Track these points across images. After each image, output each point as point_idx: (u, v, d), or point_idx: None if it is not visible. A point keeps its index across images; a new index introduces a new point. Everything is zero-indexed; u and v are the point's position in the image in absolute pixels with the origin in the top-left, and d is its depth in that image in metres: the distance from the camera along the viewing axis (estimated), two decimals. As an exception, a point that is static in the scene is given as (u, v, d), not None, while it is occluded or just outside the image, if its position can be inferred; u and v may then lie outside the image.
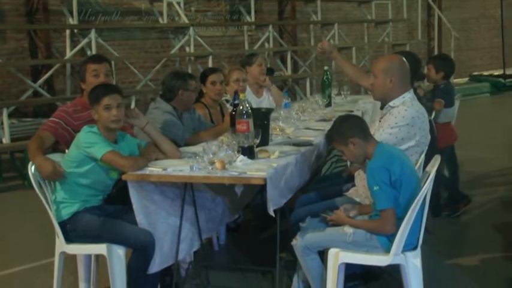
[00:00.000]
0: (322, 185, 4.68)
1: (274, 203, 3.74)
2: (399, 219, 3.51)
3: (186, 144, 4.61)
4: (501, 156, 8.30)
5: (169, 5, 10.43)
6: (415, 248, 3.64)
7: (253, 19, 11.41)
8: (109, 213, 3.91)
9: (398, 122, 4.07)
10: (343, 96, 7.08)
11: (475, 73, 16.33)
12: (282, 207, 3.90)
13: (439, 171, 4.95)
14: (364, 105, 6.34)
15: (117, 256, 3.79)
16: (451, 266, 4.80)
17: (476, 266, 4.85)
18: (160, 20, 10.44)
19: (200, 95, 5.34)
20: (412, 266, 3.60)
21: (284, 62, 11.41)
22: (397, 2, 14.05)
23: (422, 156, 4.16)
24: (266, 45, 11.31)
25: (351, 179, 4.35)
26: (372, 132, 3.97)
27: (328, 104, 6.38)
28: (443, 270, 4.71)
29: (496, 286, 4.47)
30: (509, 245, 5.23)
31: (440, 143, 5.76)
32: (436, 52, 14.66)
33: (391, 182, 3.52)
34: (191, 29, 10.05)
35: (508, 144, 9.00)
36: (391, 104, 4.16)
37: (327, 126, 4.77)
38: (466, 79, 15.51)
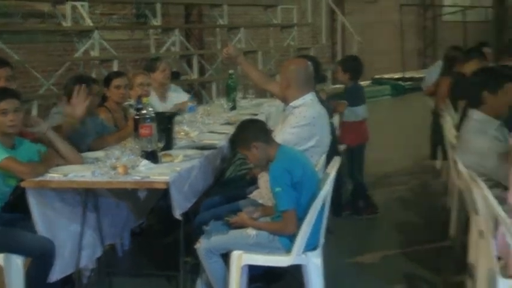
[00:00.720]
0: (226, 188, 4.72)
1: (179, 206, 3.75)
2: (300, 220, 3.59)
3: (90, 149, 4.54)
4: (401, 157, 8.60)
5: (73, 7, 10.22)
6: (316, 248, 3.74)
7: (159, 23, 11.33)
8: (5, 221, 3.81)
9: (300, 121, 4.18)
10: (248, 99, 7.16)
11: (377, 76, 16.82)
12: (186, 211, 3.91)
13: (340, 172, 5.10)
14: (268, 109, 6.43)
15: (15, 266, 3.69)
16: (352, 264, 4.95)
17: (375, 263, 5.02)
18: (63, 23, 10.21)
19: (104, 99, 5.27)
20: (313, 265, 3.69)
21: (190, 65, 11.38)
22: (301, 6, 14.30)
23: (323, 157, 4.27)
24: (172, 48, 11.26)
25: (254, 181, 4.41)
26: (275, 134, 4.06)
27: (233, 108, 6.42)
28: (345, 269, 4.84)
29: (394, 281, 4.62)
30: (406, 242, 5.43)
31: (350, 141, 6.03)
32: (339, 56, 15.02)
33: (292, 183, 3.60)
34: (96, 32, 9.88)
35: (408, 145, 9.33)
36: (292, 104, 4.28)
37: (232, 129, 4.81)
38: (368, 82, 15.94)
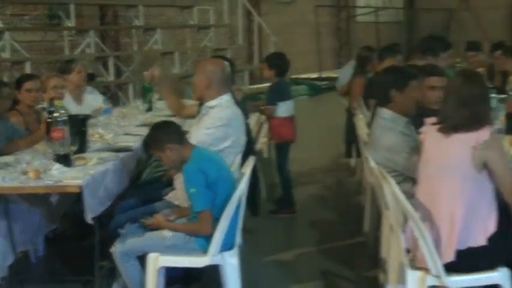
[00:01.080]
0: (142, 191, 4.68)
1: (92, 210, 3.70)
2: (216, 220, 3.61)
3: (1, 154, 4.42)
4: (317, 155, 8.74)
5: (-18, 8, 9.92)
6: (232, 247, 3.76)
7: (73, 24, 11.11)
8: None
9: (215, 122, 4.21)
10: (164, 100, 7.10)
11: (294, 76, 17.02)
12: (101, 214, 3.87)
13: (256, 172, 5.15)
14: (185, 110, 6.40)
15: None
16: (270, 263, 5.00)
17: (293, 261, 5.10)
18: (-29, 24, 9.88)
19: (15, 102, 5.14)
20: (230, 265, 3.71)
21: (106, 67, 11.21)
22: (218, 7, 14.32)
23: (239, 157, 4.31)
24: (87, 50, 11.06)
25: (171, 183, 4.40)
26: (190, 134, 4.07)
27: (149, 109, 6.38)
28: (263, 267, 4.89)
29: (311, 278, 4.70)
30: (322, 239, 5.54)
31: (277, 138, 6.24)
32: (256, 56, 15.14)
33: (207, 183, 3.62)
34: (6, 33, 9.62)
35: (323, 144, 9.50)
36: (208, 104, 4.30)
37: (147, 131, 4.78)
38: (286, 82, 16.11)
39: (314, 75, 17.20)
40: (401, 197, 3.25)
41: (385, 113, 4.00)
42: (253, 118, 6.34)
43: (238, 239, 3.83)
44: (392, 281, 3.69)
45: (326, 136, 9.88)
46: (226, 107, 4.31)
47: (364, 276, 4.68)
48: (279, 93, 6.29)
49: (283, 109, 6.28)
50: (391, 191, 3.33)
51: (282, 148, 6.35)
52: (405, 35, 21.05)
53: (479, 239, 3.22)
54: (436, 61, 5.05)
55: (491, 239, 3.22)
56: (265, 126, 6.87)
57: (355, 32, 19.71)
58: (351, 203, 6.50)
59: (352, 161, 7.66)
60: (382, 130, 3.96)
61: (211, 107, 4.30)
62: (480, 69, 7.11)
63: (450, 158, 3.30)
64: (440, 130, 3.37)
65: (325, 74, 17.07)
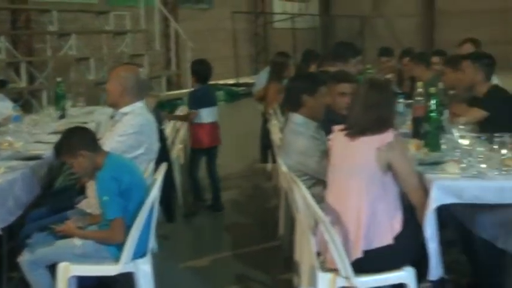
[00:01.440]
0: (54, 199, 4.59)
1: (1, 220, 3.62)
2: (129, 228, 3.59)
3: None
4: (234, 160, 8.78)
5: None
6: (145, 254, 3.75)
7: (-18, 29, 10.81)
8: None
9: (127, 130, 4.18)
10: (78, 107, 7.01)
11: (212, 82, 17.04)
12: (12, 224, 3.78)
13: (171, 178, 5.15)
14: (99, 117, 6.33)
15: None
16: (185, 269, 5.01)
17: (207, 266, 5.12)
18: None
19: None
20: (143, 272, 3.69)
21: (18, 73, 10.94)
22: (134, 13, 14.19)
23: (152, 164, 4.29)
24: (-2, 55, 10.77)
25: (83, 190, 4.33)
26: (103, 141, 4.03)
27: (62, 116, 6.27)
28: (178, 274, 4.89)
29: (226, 283, 4.75)
30: (238, 244, 5.58)
31: (199, 143, 6.40)
32: (173, 62, 15.09)
33: (120, 191, 3.59)
34: None
35: (240, 149, 9.56)
36: (122, 111, 4.27)
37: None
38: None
39: (231, 81, 17.28)
40: (311, 200, 3.32)
41: (296, 117, 4.09)
42: (169, 125, 6.35)
43: (151, 245, 3.81)
44: (305, 284, 3.76)
45: (243, 141, 9.94)
46: (139, 114, 4.29)
47: (279, 280, 4.74)
48: (200, 99, 6.38)
49: (205, 115, 6.40)
50: (302, 195, 3.40)
51: (197, 154, 6.48)
52: (321, 41, 21.43)
53: (386, 239, 3.34)
54: (346, 67, 5.18)
55: (398, 238, 3.34)
56: (182, 133, 6.89)
57: (272, 38, 19.93)
58: (267, 207, 6.58)
59: (268, 166, 7.74)
60: (294, 134, 4.05)
61: (125, 114, 4.27)
62: (390, 75, 7.33)
63: (356, 160, 3.40)
64: (348, 135, 3.48)
65: (242, 80, 17.18)
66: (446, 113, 4.54)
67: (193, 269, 5.03)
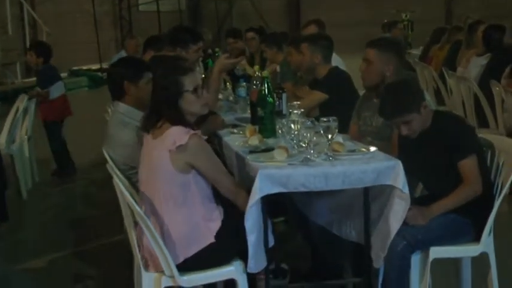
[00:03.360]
0: None
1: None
2: None
3: None
4: (87, 150, 8.36)
5: None
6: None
7: None
8: None
9: None
10: None
11: (75, 68, 16.43)
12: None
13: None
14: None
15: None
16: (20, 271, 4.67)
17: (45, 267, 4.79)
18: None
19: None
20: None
21: None
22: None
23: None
24: None
25: None
26: None
27: None
28: (12, 277, 4.55)
29: (63, 284, 4.47)
30: (80, 240, 5.30)
31: (54, 117, 7.11)
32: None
33: None
34: None
35: (96, 138, 9.13)
36: None
37: None
38: (65, 74, 15.50)
39: (95, 67, 16.70)
40: (130, 199, 3.10)
41: (120, 106, 3.82)
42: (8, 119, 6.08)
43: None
44: (136, 283, 3.56)
45: (100, 130, 9.52)
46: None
47: (121, 278, 4.50)
48: (51, 77, 7.11)
49: (57, 89, 7.12)
50: (119, 190, 3.18)
51: (54, 127, 7.14)
52: (189, 24, 21.14)
53: (205, 240, 3.16)
54: (187, 54, 4.94)
55: (219, 235, 3.18)
56: (25, 125, 6.62)
57: (138, 22, 19.44)
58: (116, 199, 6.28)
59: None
60: (118, 125, 3.78)
61: None
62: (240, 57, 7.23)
63: (154, 160, 3.21)
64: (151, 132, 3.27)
65: (106, 65, 16.62)
66: (284, 97, 4.40)
67: (29, 271, 4.68)
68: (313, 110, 4.88)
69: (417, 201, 3.47)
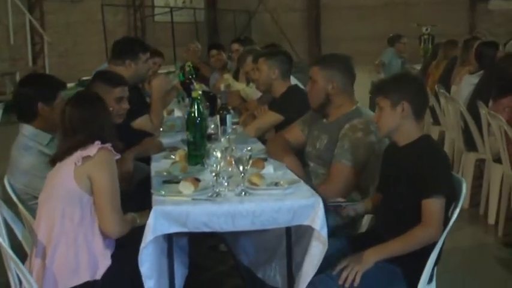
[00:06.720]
0: None
1: None
2: None
3: None
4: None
5: None
6: None
7: None
8: None
9: None
10: None
11: (84, 78, 16.15)
12: None
13: None
14: None
15: None
16: None
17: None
18: None
19: None
20: None
21: None
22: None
23: None
24: None
25: None
26: None
27: None
28: None
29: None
30: None
31: None
32: (29, 57, 14.18)
33: None
34: None
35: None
36: None
37: None
38: (74, 84, 15.27)
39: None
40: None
41: (26, 129, 3.41)
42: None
43: None
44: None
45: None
46: None
47: None
48: None
49: None
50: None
51: None
52: (207, 36, 20.86)
53: (91, 272, 2.76)
54: (136, 65, 4.54)
55: (107, 275, 2.77)
56: None
57: (152, 32, 19.16)
58: None
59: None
60: (20, 150, 3.36)
61: None
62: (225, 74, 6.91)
63: (57, 177, 2.84)
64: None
65: (116, 76, 16.35)
66: (229, 118, 3.95)
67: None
68: (270, 132, 4.45)
69: (362, 236, 3.03)
